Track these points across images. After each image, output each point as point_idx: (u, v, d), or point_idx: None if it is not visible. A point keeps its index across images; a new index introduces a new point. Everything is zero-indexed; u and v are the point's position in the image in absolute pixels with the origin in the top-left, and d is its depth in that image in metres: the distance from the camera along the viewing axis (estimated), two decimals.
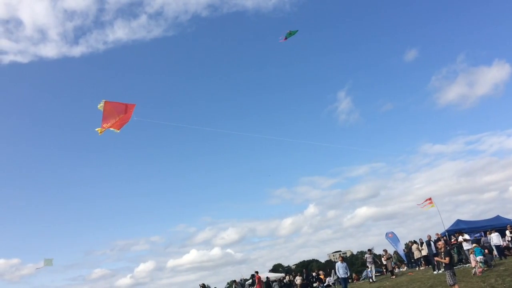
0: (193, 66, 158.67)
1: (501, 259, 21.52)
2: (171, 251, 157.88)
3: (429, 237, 23.43)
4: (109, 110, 13.01)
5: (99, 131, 13.11)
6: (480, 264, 17.65)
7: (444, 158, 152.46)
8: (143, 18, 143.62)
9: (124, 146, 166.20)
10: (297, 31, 16.80)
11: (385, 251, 28.73)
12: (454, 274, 12.67)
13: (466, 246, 20.98)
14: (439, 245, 16.94)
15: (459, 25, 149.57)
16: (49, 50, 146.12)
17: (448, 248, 16.15)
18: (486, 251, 19.59)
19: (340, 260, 21.66)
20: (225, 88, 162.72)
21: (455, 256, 21.15)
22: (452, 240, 23.72)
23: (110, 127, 13.16)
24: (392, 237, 32.03)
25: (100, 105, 12.88)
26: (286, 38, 16.94)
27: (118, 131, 13.27)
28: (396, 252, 33.05)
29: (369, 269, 26.56)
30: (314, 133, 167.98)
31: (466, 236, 21.76)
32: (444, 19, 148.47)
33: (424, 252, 24.29)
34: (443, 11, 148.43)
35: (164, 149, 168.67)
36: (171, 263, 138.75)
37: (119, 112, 13.09)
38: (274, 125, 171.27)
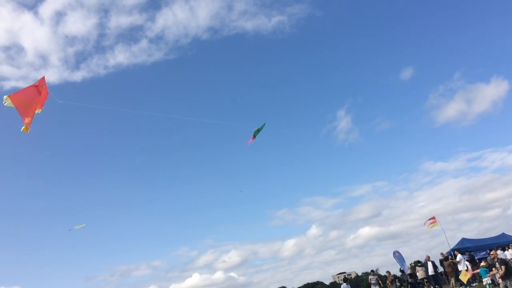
0: (194, 89, 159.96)
1: None
2: (172, 275, 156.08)
3: (428, 257, 23.62)
4: (21, 102, 11.13)
5: (25, 130, 11.22)
6: (488, 285, 17.79)
7: (446, 176, 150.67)
8: (143, 42, 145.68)
9: (123, 171, 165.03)
10: (264, 124, 16.16)
11: (388, 272, 28.69)
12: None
13: (460, 267, 20.92)
14: (491, 255, 17.17)
15: (455, 42, 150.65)
16: (51, 76, 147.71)
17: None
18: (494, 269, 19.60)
19: (347, 282, 21.85)
20: (226, 111, 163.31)
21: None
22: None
23: (33, 116, 11.28)
24: (399, 256, 32.04)
25: (6, 102, 10.77)
26: (254, 137, 16.47)
27: (40, 110, 11.36)
28: (403, 271, 32.95)
29: None
30: (314, 153, 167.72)
31: (458, 257, 21.64)
32: (439, 36, 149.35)
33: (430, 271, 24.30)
34: (439, 28, 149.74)
35: (164, 173, 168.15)
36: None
37: (33, 96, 11.34)
38: (274, 147, 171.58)
